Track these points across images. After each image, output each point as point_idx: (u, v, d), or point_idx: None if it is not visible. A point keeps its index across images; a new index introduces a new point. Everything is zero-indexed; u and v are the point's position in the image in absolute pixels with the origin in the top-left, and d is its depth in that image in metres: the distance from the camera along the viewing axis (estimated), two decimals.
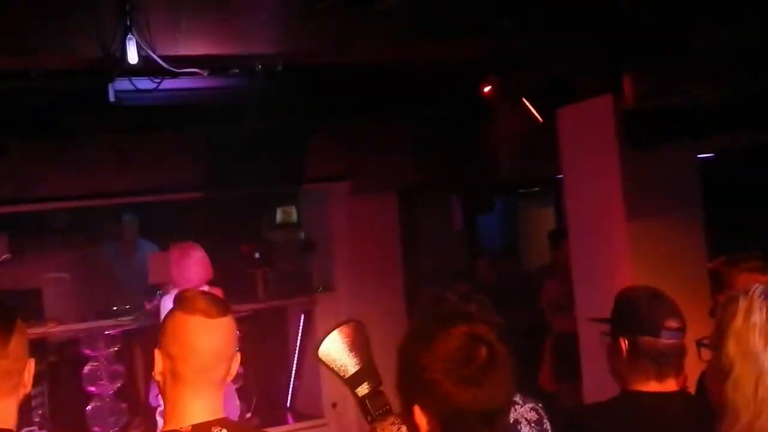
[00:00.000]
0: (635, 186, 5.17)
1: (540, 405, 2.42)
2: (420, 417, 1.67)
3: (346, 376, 2.90)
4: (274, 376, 8.09)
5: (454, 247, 8.96)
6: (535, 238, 9.57)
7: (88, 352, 6.94)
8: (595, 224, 5.31)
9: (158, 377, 2.11)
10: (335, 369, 2.92)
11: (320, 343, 2.96)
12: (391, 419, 2.37)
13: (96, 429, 6.85)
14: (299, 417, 7.77)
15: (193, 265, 5.59)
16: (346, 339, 2.98)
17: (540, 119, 6.19)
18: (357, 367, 2.90)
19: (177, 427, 2.06)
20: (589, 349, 5.21)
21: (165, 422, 2.10)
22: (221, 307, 2.15)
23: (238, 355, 2.18)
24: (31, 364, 2.11)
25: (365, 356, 2.96)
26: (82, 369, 6.88)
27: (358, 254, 7.65)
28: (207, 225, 8.18)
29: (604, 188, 5.23)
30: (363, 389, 2.84)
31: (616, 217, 5.13)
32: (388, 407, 2.83)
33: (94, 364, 6.92)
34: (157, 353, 2.11)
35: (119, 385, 6.92)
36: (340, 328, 2.99)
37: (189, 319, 2.08)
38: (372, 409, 2.78)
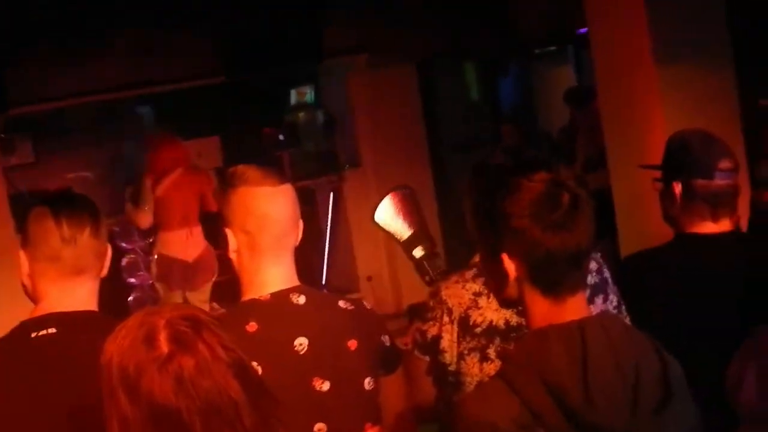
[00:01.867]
0: (662, 30, 5.06)
1: (598, 254, 2.44)
2: (509, 263, 1.70)
3: (402, 240, 2.96)
4: (308, 254, 8.19)
5: (475, 115, 8.91)
6: (552, 98, 9.48)
7: (124, 245, 7.02)
8: (624, 75, 5.23)
9: (233, 255, 2.14)
10: (392, 233, 2.99)
11: (375, 209, 3.03)
12: (453, 278, 2.39)
13: None
14: (335, 292, 7.90)
15: (164, 152, 6.19)
16: (397, 204, 3.02)
17: None
18: (410, 231, 2.95)
19: (256, 296, 2.11)
20: (623, 203, 5.22)
21: (243, 293, 2.15)
22: (278, 174, 2.18)
23: (302, 220, 2.21)
24: (109, 251, 2.18)
25: (417, 220, 3.01)
26: (120, 262, 6.98)
27: (380, 129, 7.60)
28: (229, 112, 8.13)
29: (631, 34, 5.13)
30: (419, 251, 2.90)
31: (645, 64, 5.05)
32: (445, 268, 2.89)
33: (131, 256, 7.03)
34: (229, 232, 2.12)
35: None
36: (391, 194, 3.04)
37: (258, 190, 2.09)
38: (430, 269, 2.84)
